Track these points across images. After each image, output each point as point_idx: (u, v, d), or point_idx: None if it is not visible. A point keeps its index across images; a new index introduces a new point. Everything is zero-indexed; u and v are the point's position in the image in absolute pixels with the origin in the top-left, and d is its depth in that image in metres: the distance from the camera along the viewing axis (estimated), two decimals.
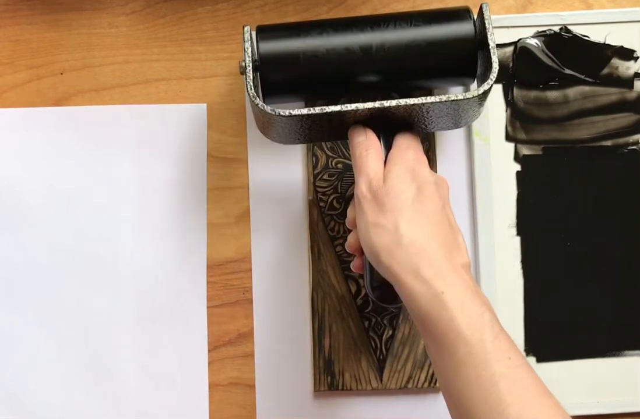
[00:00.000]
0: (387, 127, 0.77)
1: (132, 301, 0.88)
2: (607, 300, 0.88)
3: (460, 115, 0.79)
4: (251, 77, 0.76)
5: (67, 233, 0.88)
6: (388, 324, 0.87)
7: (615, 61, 0.88)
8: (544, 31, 0.88)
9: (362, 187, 0.73)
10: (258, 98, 0.75)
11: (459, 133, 0.89)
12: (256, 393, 0.88)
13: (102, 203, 0.89)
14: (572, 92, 0.88)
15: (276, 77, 0.78)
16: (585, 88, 0.88)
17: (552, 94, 0.88)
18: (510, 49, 0.88)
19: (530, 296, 0.88)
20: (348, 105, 0.74)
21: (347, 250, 0.78)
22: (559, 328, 0.88)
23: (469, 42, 0.77)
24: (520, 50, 0.88)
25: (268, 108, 0.75)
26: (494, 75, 0.75)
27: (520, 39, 0.88)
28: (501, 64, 0.88)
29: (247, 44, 0.77)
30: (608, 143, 0.88)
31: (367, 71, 0.78)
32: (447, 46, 0.77)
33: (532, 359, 0.87)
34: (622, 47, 0.88)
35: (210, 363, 0.88)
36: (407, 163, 0.73)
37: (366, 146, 0.75)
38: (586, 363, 0.88)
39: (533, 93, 0.88)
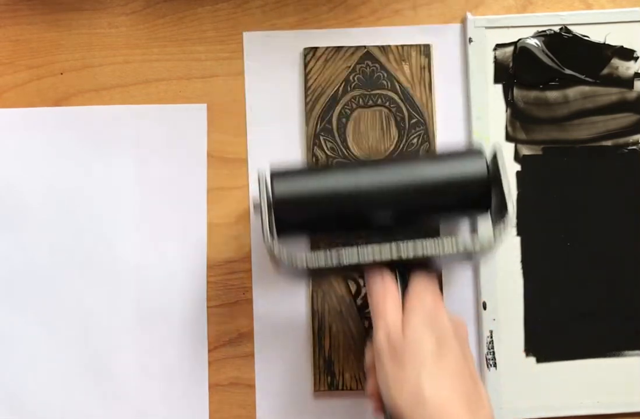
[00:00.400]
0: (402, 265, 0.75)
1: (132, 301, 0.88)
2: (607, 300, 0.88)
3: (474, 256, 0.77)
4: (267, 221, 0.75)
5: (67, 233, 0.88)
6: None
7: (615, 61, 0.88)
8: (544, 31, 0.88)
9: (381, 338, 0.72)
10: (276, 247, 0.74)
11: (459, 133, 0.89)
12: (256, 393, 0.88)
13: (102, 203, 0.89)
14: (572, 92, 0.88)
15: (290, 217, 0.77)
16: (585, 88, 0.88)
17: (552, 94, 0.88)
18: (510, 49, 0.88)
19: (530, 296, 0.88)
20: (365, 255, 0.73)
21: (365, 395, 0.77)
22: (559, 328, 0.87)
23: (482, 181, 0.76)
24: (520, 50, 0.88)
25: (285, 258, 0.73)
26: (508, 221, 0.73)
27: (520, 39, 0.89)
28: (501, 64, 0.88)
29: (262, 186, 0.77)
30: (608, 143, 0.88)
31: (380, 209, 0.77)
32: (459, 185, 0.76)
33: (532, 359, 0.87)
34: (622, 47, 0.88)
35: (210, 363, 0.88)
36: (425, 310, 0.72)
37: (384, 292, 0.73)
38: (586, 363, 0.88)
39: (533, 94, 0.88)
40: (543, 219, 0.88)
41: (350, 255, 0.73)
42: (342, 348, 0.87)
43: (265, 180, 0.77)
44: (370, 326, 0.87)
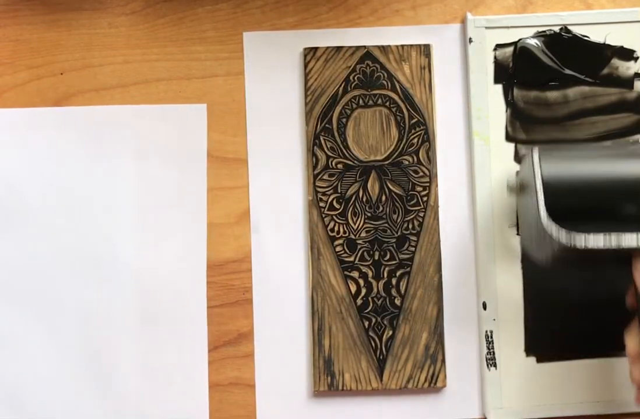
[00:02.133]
0: None
1: (132, 301, 0.88)
2: (607, 300, 0.88)
3: None
4: (541, 201, 0.75)
5: (67, 233, 0.88)
6: (388, 324, 0.87)
7: (615, 61, 0.88)
8: (544, 31, 0.89)
9: None
10: (554, 226, 0.73)
11: (459, 133, 0.89)
12: (256, 393, 0.88)
13: (102, 203, 0.89)
14: (572, 92, 0.88)
15: (557, 201, 0.76)
16: (585, 89, 0.88)
17: (552, 94, 0.88)
18: (510, 49, 0.88)
19: (530, 296, 0.87)
20: None
21: (632, 382, 0.77)
22: (559, 328, 0.87)
23: None
24: (520, 50, 0.88)
25: (563, 238, 0.73)
26: None
27: (520, 39, 0.89)
28: (501, 64, 0.88)
29: (532, 166, 0.77)
30: (608, 143, 0.88)
31: None
32: None
33: (532, 359, 0.87)
34: (622, 47, 0.88)
35: (210, 363, 0.88)
36: None
37: None
38: (586, 363, 0.88)
39: (533, 93, 0.88)
40: None
41: (630, 238, 0.73)
42: (342, 348, 0.87)
43: (533, 160, 0.77)
44: (370, 327, 0.87)
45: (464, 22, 0.89)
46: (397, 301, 0.87)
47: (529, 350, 0.87)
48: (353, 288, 0.87)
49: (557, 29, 0.89)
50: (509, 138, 0.88)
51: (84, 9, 0.90)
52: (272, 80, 0.90)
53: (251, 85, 0.90)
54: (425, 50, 0.89)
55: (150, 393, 0.88)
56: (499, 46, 0.88)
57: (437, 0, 0.90)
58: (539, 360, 0.88)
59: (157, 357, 0.88)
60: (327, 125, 0.89)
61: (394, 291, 0.87)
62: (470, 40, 0.88)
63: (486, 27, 0.88)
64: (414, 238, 0.87)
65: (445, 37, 0.90)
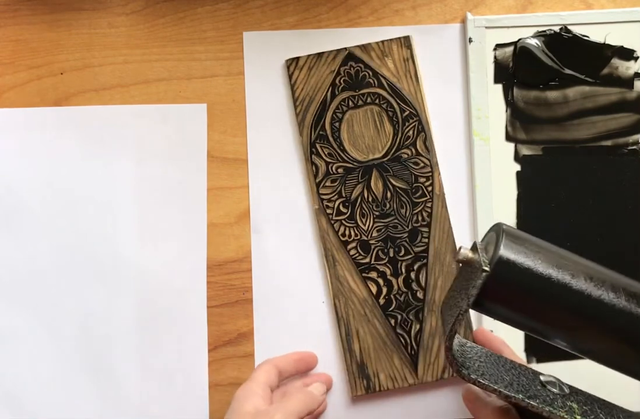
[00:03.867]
0: None
1: (132, 301, 0.88)
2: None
3: None
4: (478, 286, 0.65)
5: (67, 233, 0.88)
6: (414, 318, 0.87)
7: (615, 61, 0.89)
8: (544, 31, 0.89)
9: None
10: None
11: (459, 133, 0.89)
12: None
13: (102, 203, 0.89)
14: (572, 92, 0.89)
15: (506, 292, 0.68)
16: (585, 88, 0.89)
17: (552, 94, 0.89)
18: (510, 49, 0.89)
19: None
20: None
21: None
22: None
23: None
24: (520, 50, 0.89)
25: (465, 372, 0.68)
26: None
27: (520, 39, 0.89)
28: (501, 64, 0.89)
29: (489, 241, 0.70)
30: (608, 143, 0.89)
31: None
32: None
33: (532, 359, 0.87)
34: (622, 47, 0.89)
35: (210, 363, 0.88)
36: None
37: None
38: (586, 363, 0.87)
39: (533, 93, 0.89)
40: (543, 219, 0.88)
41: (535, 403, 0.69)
42: (373, 350, 0.87)
43: (497, 237, 0.69)
44: (397, 324, 0.87)
45: (464, 22, 0.90)
46: (420, 294, 0.87)
47: (529, 350, 0.88)
48: (374, 289, 0.87)
49: (557, 28, 0.89)
50: (509, 138, 0.89)
51: (84, 9, 0.91)
52: (272, 80, 0.90)
53: (251, 85, 0.90)
54: (405, 42, 0.89)
55: (150, 393, 0.87)
56: (499, 46, 0.89)
57: (437, 0, 0.90)
58: (539, 360, 0.88)
59: (157, 357, 0.88)
60: (321, 132, 0.89)
61: (414, 285, 0.87)
62: (470, 40, 0.89)
63: (486, 27, 0.89)
64: (426, 229, 0.87)
65: (445, 37, 0.90)
